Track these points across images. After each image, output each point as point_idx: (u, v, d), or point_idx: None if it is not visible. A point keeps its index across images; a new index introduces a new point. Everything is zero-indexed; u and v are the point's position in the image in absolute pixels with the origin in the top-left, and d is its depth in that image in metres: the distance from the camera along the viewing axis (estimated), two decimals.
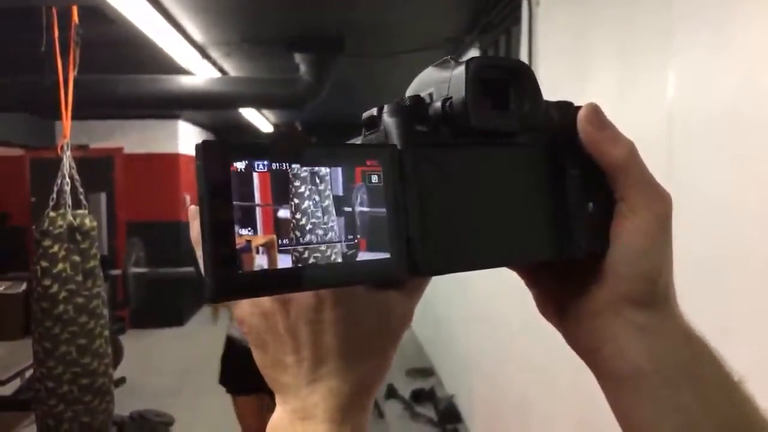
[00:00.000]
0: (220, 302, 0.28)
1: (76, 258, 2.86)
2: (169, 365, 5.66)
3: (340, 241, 0.30)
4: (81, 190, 3.08)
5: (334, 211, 0.30)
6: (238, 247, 0.27)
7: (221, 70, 4.73)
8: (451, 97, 0.34)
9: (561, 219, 0.37)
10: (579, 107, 0.38)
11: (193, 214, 0.39)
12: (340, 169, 0.30)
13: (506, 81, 0.35)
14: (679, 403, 0.36)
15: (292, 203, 0.29)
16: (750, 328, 1.35)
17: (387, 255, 0.31)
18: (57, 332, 2.82)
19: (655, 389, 0.36)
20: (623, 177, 0.37)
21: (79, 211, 2.97)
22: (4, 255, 6.89)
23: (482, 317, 3.68)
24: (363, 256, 0.31)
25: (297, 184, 0.29)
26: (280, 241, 0.29)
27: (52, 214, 2.88)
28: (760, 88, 1.32)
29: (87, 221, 2.95)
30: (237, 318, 0.38)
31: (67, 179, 3.01)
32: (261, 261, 0.28)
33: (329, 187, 0.30)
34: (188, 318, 7.47)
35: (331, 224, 0.30)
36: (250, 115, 6.77)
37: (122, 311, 6.07)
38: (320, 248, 0.30)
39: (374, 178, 0.31)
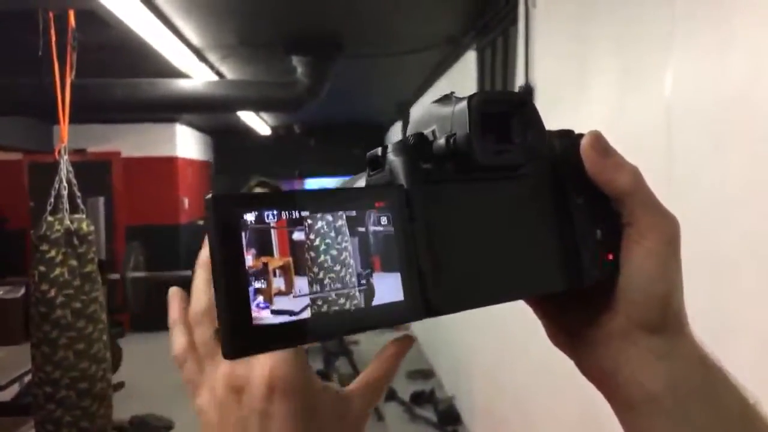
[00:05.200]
0: (236, 358, 0.28)
1: (74, 262, 2.86)
2: (170, 369, 5.64)
3: (354, 287, 0.30)
4: (79, 194, 3.08)
5: (348, 266, 0.30)
6: (252, 292, 0.28)
7: (219, 73, 4.72)
8: (454, 134, 0.34)
9: (570, 248, 0.37)
10: (580, 135, 0.38)
11: (173, 295, 0.39)
12: (352, 214, 0.31)
13: (508, 114, 0.36)
14: (695, 426, 0.36)
15: (305, 251, 0.29)
16: (751, 324, 1.35)
17: (401, 298, 0.31)
18: (55, 337, 2.81)
19: (670, 413, 0.36)
20: (630, 202, 0.37)
21: (77, 216, 2.97)
22: (3, 259, 6.89)
23: (482, 319, 3.68)
24: (378, 277, 0.31)
25: (308, 231, 0.30)
26: (296, 303, 0.29)
27: (49, 218, 2.88)
28: (758, 86, 1.32)
29: (84, 225, 2.95)
30: (197, 408, 0.37)
31: (65, 183, 3.01)
32: (278, 283, 0.28)
33: (341, 231, 0.30)
34: None
35: (345, 269, 0.30)
36: (248, 118, 6.77)
37: (122, 315, 6.06)
38: (333, 295, 0.30)
39: (383, 220, 0.31)
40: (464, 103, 0.34)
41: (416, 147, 0.34)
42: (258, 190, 3.10)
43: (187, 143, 8.06)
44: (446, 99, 0.36)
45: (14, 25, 3.29)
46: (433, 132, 0.35)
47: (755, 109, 1.33)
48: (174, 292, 0.39)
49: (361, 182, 0.36)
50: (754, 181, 1.33)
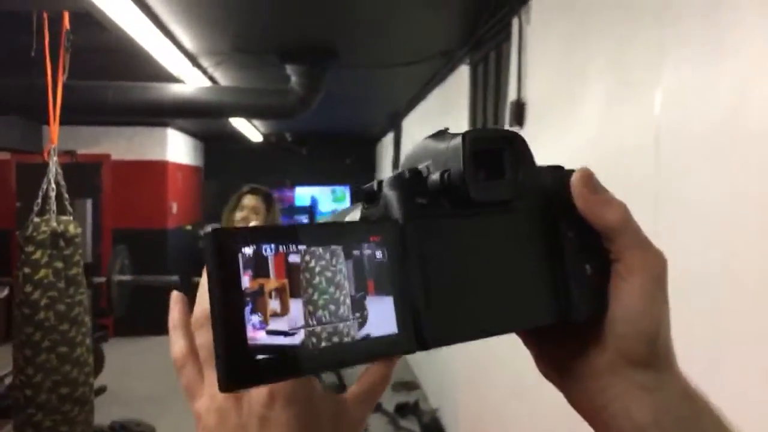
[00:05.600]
0: (233, 391, 0.28)
1: (59, 265, 2.83)
2: (152, 374, 5.60)
3: (350, 319, 0.31)
4: (66, 196, 3.06)
5: (342, 288, 0.31)
6: (248, 329, 0.28)
7: (212, 79, 4.72)
8: (448, 170, 0.35)
9: (560, 282, 0.38)
10: (571, 171, 0.39)
11: (175, 299, 0.39)
12: (344, 246, 0.31)
13: (500, 150, 0.37)
14: None
15: (301, 284, 0.30)
16: (739, 339, 1.36)
17: (394, 331, 0.32)
18: (38, 339, 2.78)
19: None
20: (618, 239, 0.38)
21: (64, 218, 2.95)
22: None
23: None
24: (371, 301, 0.31)
25: (305, 265, 0.30)
26: (291, 323, 0.29)
27: (36, 219, 2.85)
28: (748, 104, 1.34)
29: (71, 228, 2.92)
30: (195, 413, 0.37)
31: (53, 185, 2.99)
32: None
33: (337, 265, 0.31)
34: None
35: (340, 302, 0.31)
36: (240, 124, 6.76)
37: (106, 319, 6.01)
38: (330, 327, 0.30)
39: (378, 254, 0.32)
40: (458, 140, 0.35)
41: (411, 182, 0.35)
42: (249, 196, 3.09)
43: (177, 148, 8.03)
44: (441, 134, 0.37)
45: (7, 25, 3.28)
46: (428, 167, 0.36)
47: (743, 125, 1.35)
48: (176, 296, 0.39)
49: (356, 214, 0.37)
50: (740, 199, 1.35)
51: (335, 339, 0.30)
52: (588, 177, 0.38)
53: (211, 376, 0.36)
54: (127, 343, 6.51)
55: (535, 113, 2.69)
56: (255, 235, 0.29)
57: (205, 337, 0.36)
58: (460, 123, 3.99)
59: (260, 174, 6.68)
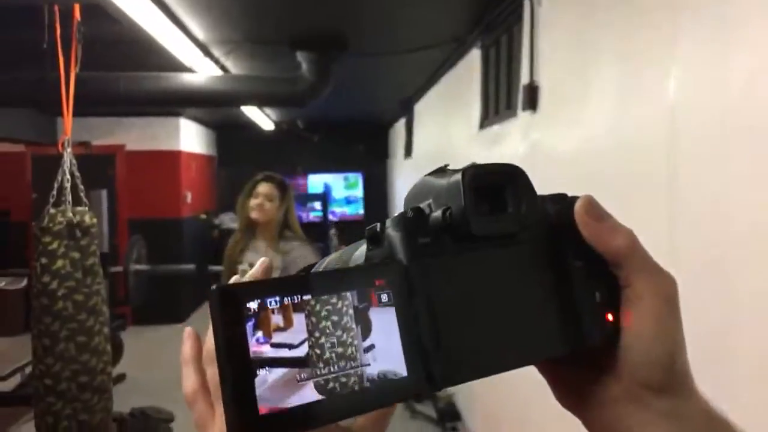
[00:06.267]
0: None
1: (76, 255, 2.86)
2: (170, 362, 5.67)
3: (358, 365, 0.31)
4: (82, 187, 3.09)
5: (349, 333, 0.31)
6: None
7: (223, 68, 4.72)
8: (450, 207, 0.35)
9: (570, 312, 0.38)
10: (574, 198, 0.39)
11: (187, 334, 0.40)
12: (354, 293, 0.32)
13: (502, 184, 0.37)
14: None
15: (309, 335, 0.30)
16: (754, 327, 1.35)
17: (404, 374, 0.32)
18: (56, 329, 2.82)
19: None
20: (626, 265, 0.37)
21: (79, 208, 2.98)
22: (5, 251, 6.91)
23: None
24: (378, 343, 0.31)
25: (312, 315, 0.31)
26: (299, 375, 0.30)
27: (52, 210, 2.88)
28: (765, 88, 1.31)
29: (87, 218, 2.95)
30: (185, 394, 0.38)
31: (68, 176, 3.01)
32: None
33: (343, 310, 0.31)
34: (188, 314, 7.49)
35: (348, 348, 0.31)
36: (251, 113, 6.77)
37: (123, 308, 6.08)
38: (340, 376, 0.30)
39: (384, 297, 0.32)
40: (458, 176, 0.35)
41: (413, 221, 0.34)
42: (264, 184, 3.09)
43: (190, 137, 8.07)
44: (441, 171, 0.37)
45: (19, 18, 3.30)
46: (430, 205, 0.36)
47: (760, 110, 1.33)
48: (188, 332, 0.40)
49: (360, 251, 0.37)
50: (757, 183, 1.33)
51: (344, 386, 0.30)
52: (592, 204, 0.38)
53: (221, 412, 0.37)
54: (145, 332, 6.59)
55: (548, 97, 2.66)
56: (259, 289, 0.30)
57: (215, 374, 0.37)
58: (472, 108, 3.97)
59: (273, 162, 6.70)
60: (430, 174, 0.37)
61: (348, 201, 9.58)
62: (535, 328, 0.37)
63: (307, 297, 0.30)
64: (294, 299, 0.30)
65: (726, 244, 1.43)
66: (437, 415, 4.42)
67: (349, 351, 0.31)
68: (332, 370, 0.30)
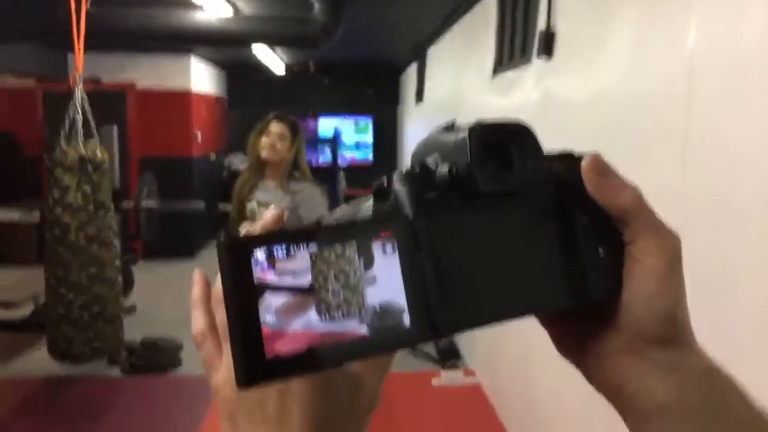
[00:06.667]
0: (249, 388, 0.30)
1: (88, 189, 2.91)
2: (180, 296, 5.78)
3: (363, 313, 0.32)
4: (93, 122, 3.10)
5: (354, 283, 0.32)
6: (263, 330, 0.30)
7: (234, 6, 4.65)
8: (456, 163, 0.35)
9: (574, 267, 0.38)
10: (581, 156, 0.39)
11: (197, 278, 0.41)
12: (355, 243, 0.32)
13: (508, 141, 0.37)
14: None
15: (315, 282, 0.31)
16: (756, 265, 1.37)
17: (407, 323, 0.32)
18: (69, 260, 2.89)
19: (682, 424, 0.37)
20: (632, 222, 0.38)
21: (91, 141, 3.00)
22: (18, 184, 6.98)
23: None
24: (384, 294, 0.32)
25: (318, 262, 0.31)
26: (304, 300, 0.31)
27: (64, 145, 2.91)
28: None
29: (98, 152, 2.98)
30: (214, 387, 0.38)
31: (79, 112, 3.03)
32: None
33: (350, 261, 0.32)
34: (198, 250, 7.61)
35: (353, 297, 0.32)
36: (262, 54, 6.68)
37: (135, 243, 6.18)
38: (343, 322, 0.31)
39: (389, 248, 0.33)
40: (465, 133, 0.35)
41: (420, 176, 0.35)
42: (276, 123, 3.08)
43: (201, 77, 8.00)
44: (448, 128, 0.37)
45: None
46: (436, 162, 0.36)
47: None
48: (197, 275, 0.41)
49: (367, 206, 0.38)
50: None
51: (347, 314, 0.31)
52: (599, 162, 0.38)
53: (229, 351, 0.38)
54: (155, 266, 6.70)
55: (564, 43, 2.62)
56: (266, 238, 0.31)
57: (224, 314, 0.37)
58: (486, 54, 3.91)
59: (283, 104, 6.63)
60: (437, 130, 0.38)
61: (358, 146, 9.54)
62: (538, 282, 0.38)
63: (312, 245, 0.31)
64: (300, 248, 0.31)
65: (735, 189, 1.43)
66: (438, 354, 4.53)
67: (352, 281, 0.32)
68: (335, 295, 0.31)
